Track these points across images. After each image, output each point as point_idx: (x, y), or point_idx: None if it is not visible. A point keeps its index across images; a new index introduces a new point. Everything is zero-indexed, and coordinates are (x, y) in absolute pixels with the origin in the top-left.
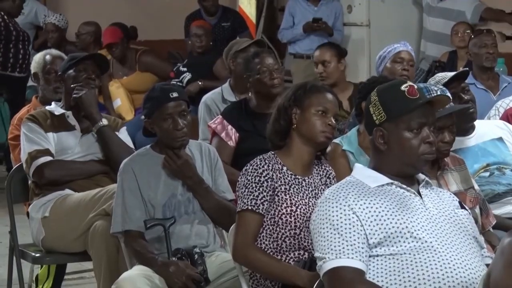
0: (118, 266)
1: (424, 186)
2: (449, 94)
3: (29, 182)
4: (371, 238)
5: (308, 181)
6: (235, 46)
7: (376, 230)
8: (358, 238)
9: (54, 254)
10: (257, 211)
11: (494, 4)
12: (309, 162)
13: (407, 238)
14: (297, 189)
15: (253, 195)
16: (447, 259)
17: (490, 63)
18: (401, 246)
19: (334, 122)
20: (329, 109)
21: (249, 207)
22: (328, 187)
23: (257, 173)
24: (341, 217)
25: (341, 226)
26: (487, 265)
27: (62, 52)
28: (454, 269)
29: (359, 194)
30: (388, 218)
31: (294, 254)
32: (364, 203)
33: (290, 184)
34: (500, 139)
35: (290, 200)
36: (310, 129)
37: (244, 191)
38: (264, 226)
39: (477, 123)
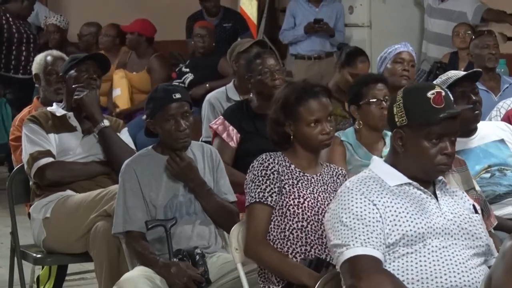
0: (119, 267)
1: (440, 187)
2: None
3: (31, 183)
4: (387, 238)
5: (317, 178)
6: (237, 47)
7: (393, 231)
8: (380, 233)
9: (55, 255)
10: (265, 202)
11: (495, 5)
12: (316, 160)
13: (418, 242)
14: (305, 184)
15: (261, 188)
16: (452, 264)
17: (492, 63)
18: (410, 248)
19: (330, 127)
20: (320, 116)
21: (257, 200)
22: (338, 184)
23: (263, 167)
24: (365, 209)
25: (365, 218)
26: None
27: (63, 53)
28: (460, 278)
29: (381, 191)
30: (407, 221)
31: (301, 249)
32: (386, 202)
33: (298, 179)
34: (502, 141)
35: (298, 192)
36: (308, 141)
37: (251, 185)
38: (272, 217)
39: (479, 124)
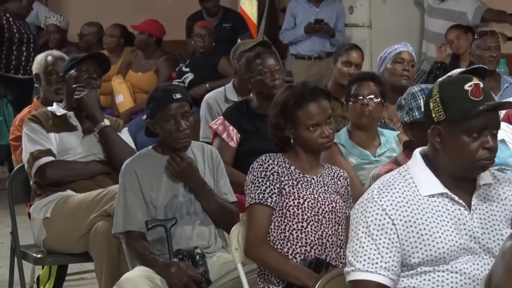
0: (120, 267)
1: (482, 192)
2: None
3: (31, 182)
4: (406, 259)
5: (317, 179)
6: (241, 47)
7: (413, 253)
8: (393, 256)
9: (55, 255)
10: (265, 203)
11: (496, 5)
12: (316, 161)
13: (438, 264)
14: (305, 185)
15: (260, 189)
16: (471, 285)
17: (493, 66)
18: (429, 267)
19: (329, 130)
20: (319, 120)
21: (257, 201)
22: (339, 186)
23: (263, 168)
24: (381, 230)
25: (379, 241)
26: None
27: (63, 53)
28: None
29: (407, 206)
30: (429, 244)
31: (301, 250)
32: (409, 220)
33: (297, 181)
34: (503, 141)
35: (298, 193)
36: (308, 144)
37: (251, 187)
38: (272, 218)
39: None
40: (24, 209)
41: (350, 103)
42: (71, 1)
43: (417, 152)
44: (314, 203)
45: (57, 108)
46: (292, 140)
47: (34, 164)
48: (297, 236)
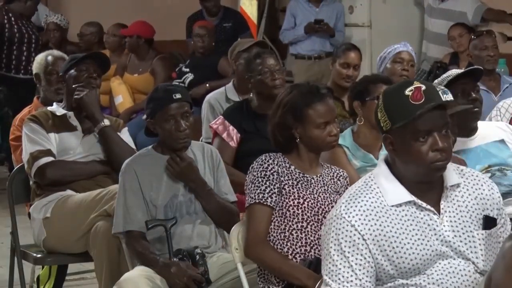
0: (120, 266)
1: (449, 195)
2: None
3: (31, 182)
4: (379, 272)
5: (317, 179)
6: (238, 47)
7: (386, 266)
8: (368, 271)
9: (55, 255)
10: (265, 203)
11: (496, 4)
12: (316, 161)
13: (414, 275)
14: (305, 185)
15: (260, 189)
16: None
17: (491, 65)
18: (405, 280)
19: (337, 129)
20: (328, 119)
21: (257, 201)
22: (339, 185)
23: (263, 168)
24: (352, 246)
25: (351, 255)
26: None
27: (63, 52)
28: None
29: (376, 218)
30: (401, 257)
31: (301, 250)
32: (379, 235)
33: (297, 180)
34: (502, 141)
35: (298, 193)
36: (315, 143)
37: (251, 187)
38: (272, 218)
39: (479, 124)
40: (24, 209)
41: (368, 102)
42: (71, 1)
43: (381, 159)
44: (314, 203)
45: (57, 108)
46: (297, 139)
47: (34, 164)
48: (297, 236)
